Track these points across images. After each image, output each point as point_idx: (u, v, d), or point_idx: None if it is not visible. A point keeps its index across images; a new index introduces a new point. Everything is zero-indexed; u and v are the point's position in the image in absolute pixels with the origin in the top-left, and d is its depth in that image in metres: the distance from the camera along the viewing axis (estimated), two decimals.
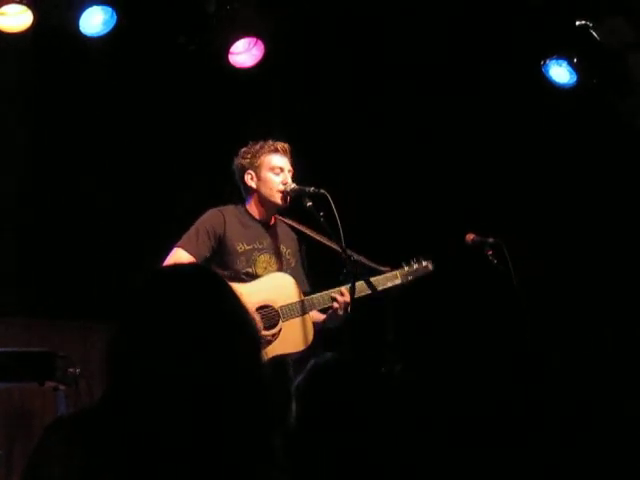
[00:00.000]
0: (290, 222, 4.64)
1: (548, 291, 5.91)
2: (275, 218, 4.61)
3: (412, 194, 6.09)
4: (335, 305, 4.38)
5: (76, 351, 4.77)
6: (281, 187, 4.46)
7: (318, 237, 4.49)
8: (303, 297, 4.42)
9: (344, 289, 4.36)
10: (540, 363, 5.58)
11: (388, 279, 4.57)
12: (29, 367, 4.24)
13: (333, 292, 4.41)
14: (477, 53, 5.78)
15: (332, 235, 4.27)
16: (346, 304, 4.35)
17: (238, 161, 4.57)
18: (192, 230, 4.39)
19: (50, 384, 4.28)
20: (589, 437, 5.52)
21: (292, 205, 4.50)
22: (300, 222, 4.61)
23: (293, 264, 4.58)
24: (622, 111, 5.72)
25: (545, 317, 5.83)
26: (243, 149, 4.57)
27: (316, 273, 4.66)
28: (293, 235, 4.64)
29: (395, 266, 4.63)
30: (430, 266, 4.70)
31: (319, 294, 4.46)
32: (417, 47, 5.82)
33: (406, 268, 4.65)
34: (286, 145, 4.55)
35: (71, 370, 4.31)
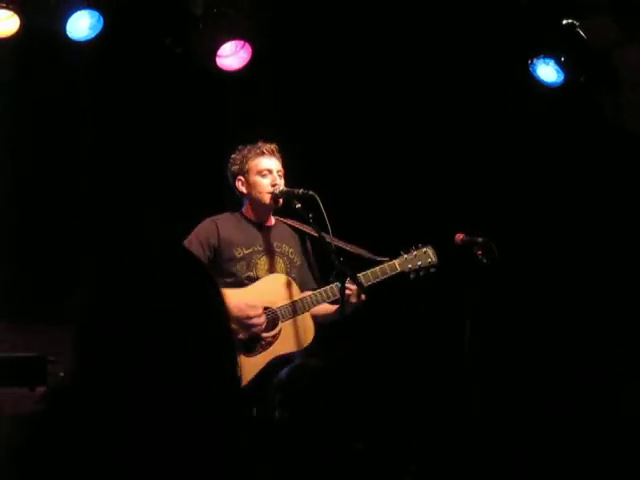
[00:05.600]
0: (290, 222, 4.67)
1: (544, 292, 5.93)
2: (275, 219, 4.64)
3: (402, 194, 6.09)
4: (348, 292, 4.38)
5: (66, 356, 4.76)
6: (270, 189, 4.50)
7: (317, 234, 4.50)
8: (300, 296, 4.47)
9: (349, 284, 4.37)
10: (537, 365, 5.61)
11: (387, 269, 4.57)
12: (20, 372, 4.24)
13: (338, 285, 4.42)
14: (464, 52, 5.79)
15: (322, 237, 4.29)
16: (358, 292, 4.37)
17: (229, 168, 4.63)
18: (186, 242, 4.44)
19: (41, 389, 4.28)
20: (581, 435, 5.54)
21: (288, 207, 4.52)
22: (298, 221, 4.64)
23: (298, 263, 4.62)
24: (609, 109, 5.74)
25: (540, 318, 5.85)
26: (232, 156, 4.62)
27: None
28: (295, 234, 4.67)
29: (394, 256, 4.63)
30: (430, 252, 4.67)
31: (314, 292, 4.49)
32: (405, 46, 5.83)
33: (405, 256, 4.64)
34: (273, 146, 4.58)
35: (62, 375, 4.30)
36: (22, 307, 5.28)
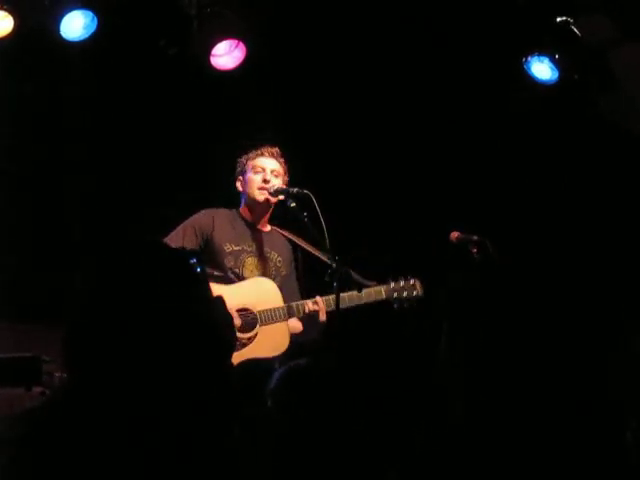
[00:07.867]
0: (285, 233, 4.69)
1: (539, 289, 5.93)
2: (271, 227, 4.67)
3: (398, 192, 6.09)
4: (315, 308, 4.41)
5: (61, 355, 4.75)
6: (260, 184, 4.53)
7: (311, 249, 4.53)
8: (284, 304, 4.46)
9: (319, 299, 4.41)
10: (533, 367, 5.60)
11: (373, 293, 4.60)
12: (15, 372, 4.24)
13: (310, 300, 4.46)
14: (458, 50, 5.79)
15: (316, 236, 4.30)
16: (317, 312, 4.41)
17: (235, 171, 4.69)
18: (180, 228, 4.49)
19: (37, 389, 4.28)
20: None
21: (287, 217, 4.54)
22: (295, 234, 4.65)
23: (284, 272, 4.63)
24: (603, 107, 5.74)
25: (535, 314, 5.85)
26: (239, 159, 4.69)
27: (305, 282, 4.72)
28: (288, 245, 4.70)
29: (381, 281, 4.65)
30: (417, 284, 4.70)
31: (298, 302, 4.50)
32: (399, 45, 5.83)
33: (392, 284, 4.67)
34: (274, 149, 4.64)
35: (58, 375, 4.31)
36: (22, 307, 5.29)
